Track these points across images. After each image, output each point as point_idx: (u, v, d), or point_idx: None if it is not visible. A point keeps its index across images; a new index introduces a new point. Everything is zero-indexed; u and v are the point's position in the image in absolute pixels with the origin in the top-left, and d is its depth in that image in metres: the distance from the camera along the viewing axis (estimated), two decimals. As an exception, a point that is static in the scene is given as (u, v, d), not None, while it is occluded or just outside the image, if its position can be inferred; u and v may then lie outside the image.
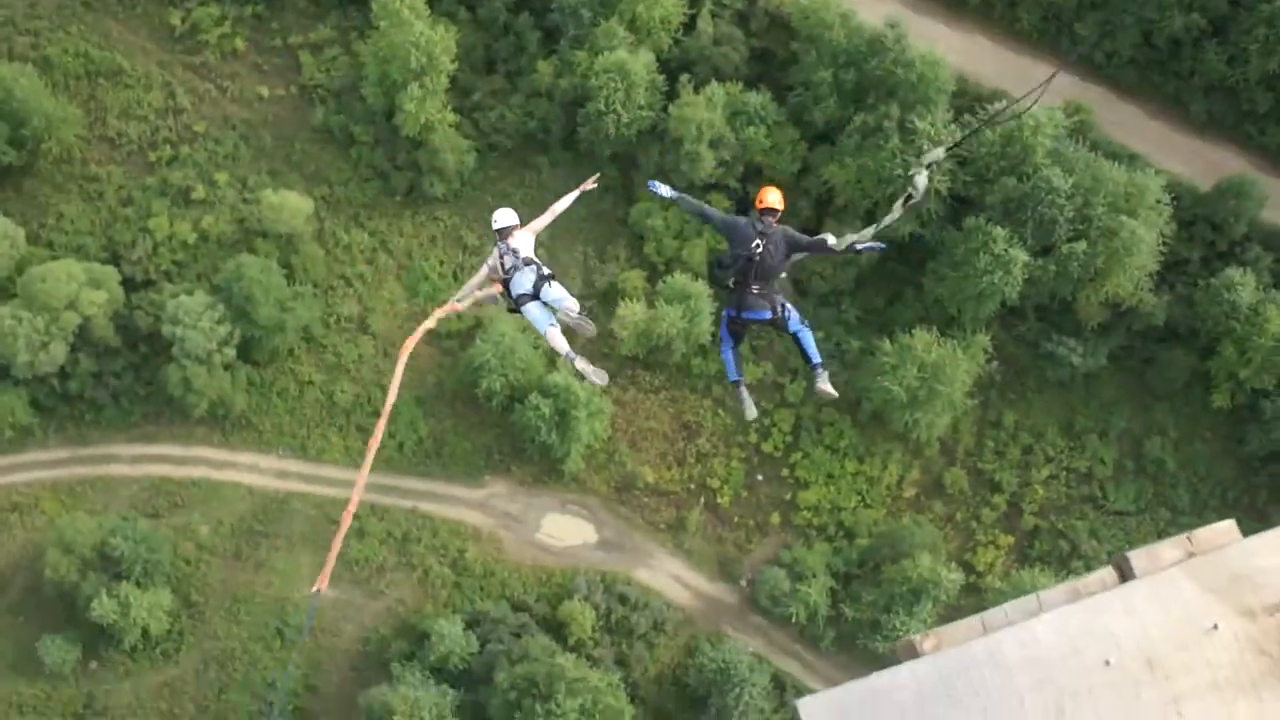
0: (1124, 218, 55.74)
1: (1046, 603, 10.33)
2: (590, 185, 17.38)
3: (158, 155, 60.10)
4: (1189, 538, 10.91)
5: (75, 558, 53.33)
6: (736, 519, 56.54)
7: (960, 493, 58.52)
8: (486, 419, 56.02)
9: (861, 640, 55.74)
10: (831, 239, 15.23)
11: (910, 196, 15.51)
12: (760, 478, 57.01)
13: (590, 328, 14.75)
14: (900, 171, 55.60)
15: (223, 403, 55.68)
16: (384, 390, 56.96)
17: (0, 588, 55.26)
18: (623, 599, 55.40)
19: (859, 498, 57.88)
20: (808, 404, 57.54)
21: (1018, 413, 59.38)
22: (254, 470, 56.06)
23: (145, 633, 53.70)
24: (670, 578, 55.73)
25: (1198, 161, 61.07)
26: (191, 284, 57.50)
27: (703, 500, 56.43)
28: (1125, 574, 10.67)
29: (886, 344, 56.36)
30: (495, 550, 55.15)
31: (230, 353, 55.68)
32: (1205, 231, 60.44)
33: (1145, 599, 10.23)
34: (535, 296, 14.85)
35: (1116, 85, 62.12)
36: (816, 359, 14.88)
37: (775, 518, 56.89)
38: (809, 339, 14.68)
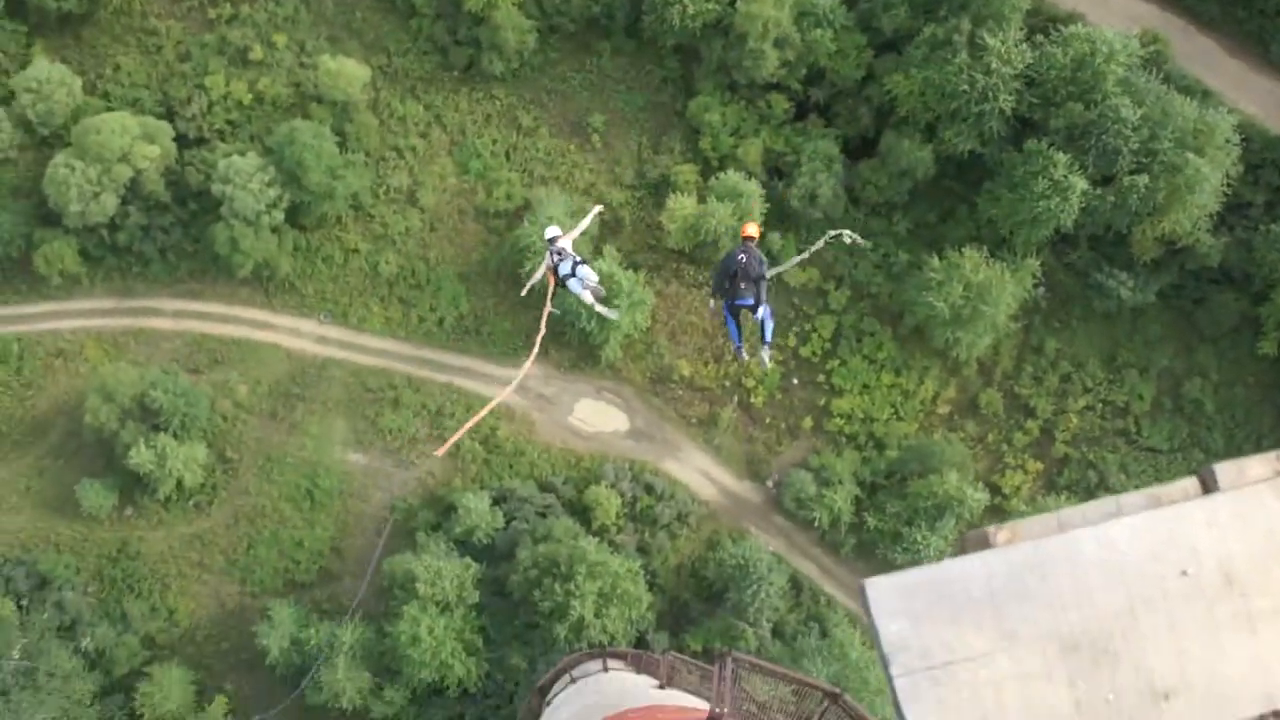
0: (1190, 155, 55.33)
1: (1126, 507, 10.05)
2: (598, 209, 32.96)
3: (217, 13, 60.80)
4: (1279, 457, 10.71)
5: (115, 406, 55.31)
6: (768, 420, 57.69)
7: (994, 415, 59.35)
8: (527, 301, 56.67)
9: (881, 550, 57.03)
10: (766, 271, 22.80)
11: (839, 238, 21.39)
12: (795, 381, 58.04)
13: (601, 291, 26.94)
14: (966, 87, 55.76)
15: (267, 265, 57.07)
16: (429, 264, 58.25)
17: (42, 431, 57.57)
18: (649, 488, 56.91)
19: (892, 410, 58.84)
20: (850, 312, 58.27)
21: (1060, 341, 59.89)
22: (294, 334, 57.67)
23: (180, 484, 55.85)
24: (698, 472, 57.14)
25: (1272, 103, 60.48)
26: (244, 144, 58.54)
27: (736, 399, 57.57)
28: (1209, 486, 10.47)
29: (935, 260, 56.63)
30: (527, 431, 56.68)
31: (278, 215, 56.90)
32: (1272, 176, 60.09)
33: (1229, 513, 9.95)
34: (572, 274, 26.26)
35: (1197, 17, 61.32)
36: (769, 340, 24.14)
37: (807, 422, 57.99)
38: (769, 326, 23.51)
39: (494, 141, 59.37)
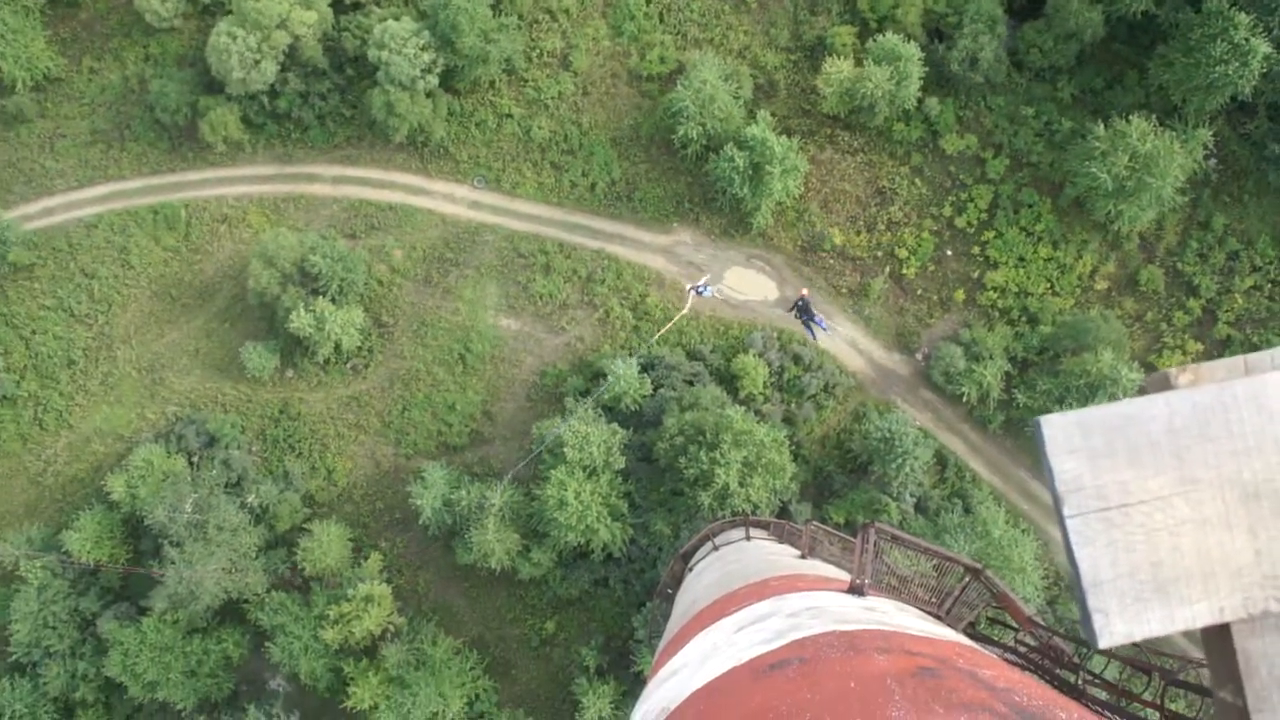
0: (1385, 14, 55.87)
1: (1316, 355, 10.48)
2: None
3: (362, -117, 65.19)
4: None
5: (276, 271, 60.52)
6: (920, 291, 60.29)
7: (1154, 292, 60.85)
8: (680, 166, 60.46)
9: (1030, 429, 59.24)
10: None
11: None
12: (949, 253, 60.45)
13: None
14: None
15: (422, 130, 61.41)
16: (581, 128, 61.96)
17: (210, 295, 63.36)
18: (796, 359, 60.15)
19: (1048, 284, 60.80)
20: (1008, 181, 60.22)
21: (1229, 216, 60.92)
22: (448, 199, 62.08)
23: (338, 348, 61.07)
24: (846, 343, 60.16)
25: None
26: (399, 9, 62.68)
27: (888, 269, 60.24)
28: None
29: (1100, 128, 57.48)
30: (676, 298, 60.40)
31: (433, 80, 61.01)
32: None
33: None
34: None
35: None
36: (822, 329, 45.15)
37: (959, 294, 60.41)
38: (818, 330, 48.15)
39: (648, 2, 62.44)
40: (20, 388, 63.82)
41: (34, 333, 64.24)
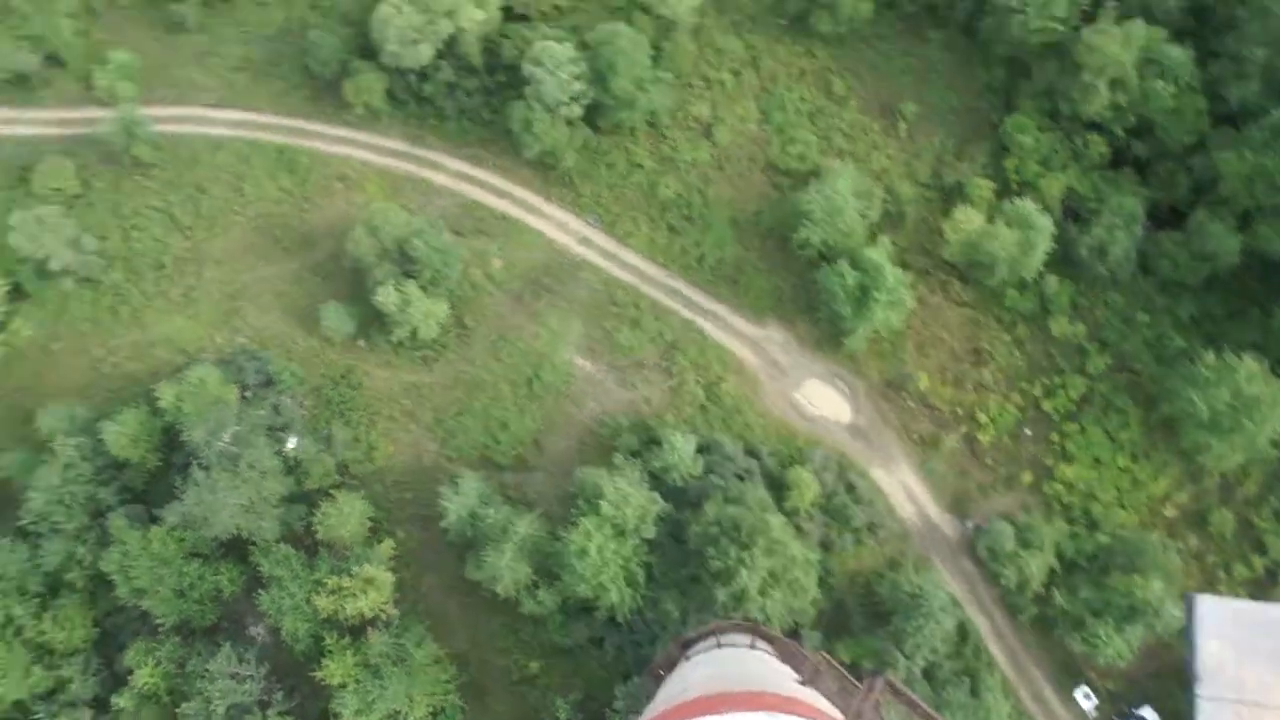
0: None
1: None
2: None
3: (577, -97, 78.49)
4: None
5: (378, 242, 73.38)
6: (989, 461, 70.84)
7: (1221, 536, 69.45)
8: (790, 266, 71.91)
9: (1060, 632, 66.64)
10: None
11: None
12: (1028, 432, 71.07)
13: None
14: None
15: (554, 153, 73.96)
16: (705, 199, 74.17)
17: (309, 245, 76.12)
18: (850, 487, 71.01)
19: (1117, 494, 70.41)
20: (1105, 381, 70.55)
21: (1320, 486, 70.21)
22: (560, 227, 74.62)
23: (414, 333, 73.61)
24: (902, 488, 71.03)
25: None
26: (564, 34, 75.09)
27: (964, 430, 70.79)
28: None
29: (1210, 356, 65.68)
30: (751, 391, 71.97)
31: (576, 110, 73.52)
32: None
33: None
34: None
35: None
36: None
37: (1027, 477, 70.69)
38: None
39: (802, 99, 74.17)
40: (106, 275, 77.49)
41: (135, 228, 77.96)
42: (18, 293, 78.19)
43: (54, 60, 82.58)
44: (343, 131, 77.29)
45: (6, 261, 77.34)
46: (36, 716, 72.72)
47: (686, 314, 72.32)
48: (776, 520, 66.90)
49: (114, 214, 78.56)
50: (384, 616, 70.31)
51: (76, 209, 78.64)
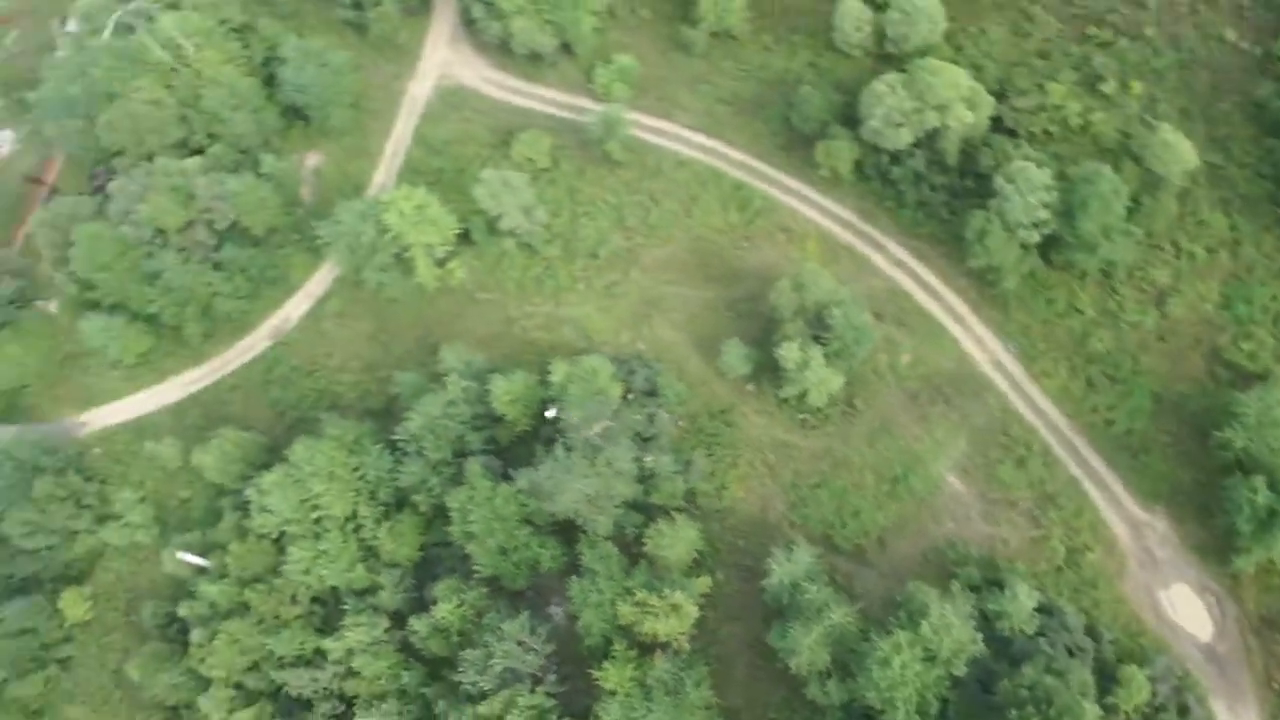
0: None
1: None
2: None
3: (1097, 32, 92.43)
4: None
5: (799, 299, 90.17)
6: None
7: None
8: (1200, 461, 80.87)
9: None
10: None
11: None
12: None
13: None
14: None
15: (997, 271, 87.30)
16: (1135, 365, 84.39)
17: (733, 280, 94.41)
18: (1183, 709, 77.74)
19: None
20: None
21: None
22: (978, 343, 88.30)
23: (803, 395, 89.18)
24: (1236, 725, 78.37)
25: None
26: (1045, 158, 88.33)
27: (1338, 703, 77.30)
28: None
29: None
30: (1115, 571, 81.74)
31: (1034, 237, 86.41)
32: None
33: None
34: None
35: None
36: None
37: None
38: None
39: (1273, 299, 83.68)
40: (545, 247, 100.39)
41: (584, 214, 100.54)
42: (464, 239, 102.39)
43: (567, 49, 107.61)
44: (801, 187, 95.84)
45: (465, 208, 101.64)
46: (344, 606, 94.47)
47: (1075, 471, 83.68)
48: (1092, 711, 75.33)
49: (570, 196, 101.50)
50: (675, 645, 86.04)
51: (539, 182, 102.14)
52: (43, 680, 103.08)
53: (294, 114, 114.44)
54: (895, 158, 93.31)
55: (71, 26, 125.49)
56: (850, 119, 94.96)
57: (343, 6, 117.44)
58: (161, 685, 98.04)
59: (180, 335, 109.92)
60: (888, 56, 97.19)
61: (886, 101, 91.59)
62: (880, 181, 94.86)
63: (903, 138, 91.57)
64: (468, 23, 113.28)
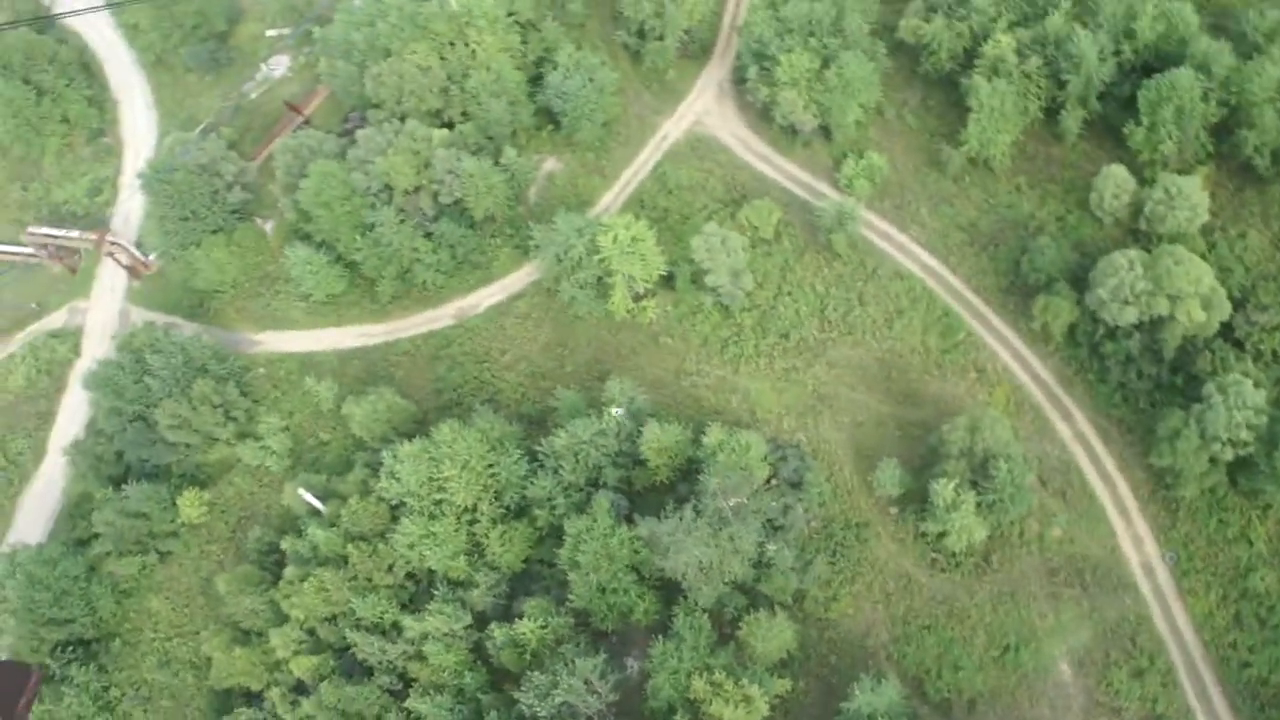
0: None
1: None
2: None
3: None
4: None
5: (970, 436, 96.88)
6: None
7: None
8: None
9: None
10: None
11: None
12: None
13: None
14: None
15: (1179, 477, 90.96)
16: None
17: (911, 402, 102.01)
18: None
19: None
20: None
21: None
22: (1135, 541, 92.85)
23: (940, 535, 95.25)
24: None
25: None
26: (1266, 382, 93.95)
27: None
28: None
29: None
30: None
31: (1228, 454, 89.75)
32: None
33: None
34: None
35: None
36: None
37: None
38: None
39: None
40: (740, 314, 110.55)
41: (788, 294, 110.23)
42: (666, 281, 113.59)
43: (824, 131, 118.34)
44: (1009, 334, 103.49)
45: (677, 253, 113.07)
46: (434, 590, 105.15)
47: (1193, 702, 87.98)
48: None
49: (781, 273, 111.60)
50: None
51: (756, 250, 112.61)
52: (140, 564, 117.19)
53: (547, 117, 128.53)
54: (1112, 333, 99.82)
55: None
56: (1079, 281, 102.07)
57: (626, 32, 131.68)
58: (242, 607, 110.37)
59: (373, 289, 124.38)
60: (1136, 232, 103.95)
61: (1122, 276, 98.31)
62: (1089, 352, 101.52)
63: (1126, 316, 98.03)
64: (738, 80, 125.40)
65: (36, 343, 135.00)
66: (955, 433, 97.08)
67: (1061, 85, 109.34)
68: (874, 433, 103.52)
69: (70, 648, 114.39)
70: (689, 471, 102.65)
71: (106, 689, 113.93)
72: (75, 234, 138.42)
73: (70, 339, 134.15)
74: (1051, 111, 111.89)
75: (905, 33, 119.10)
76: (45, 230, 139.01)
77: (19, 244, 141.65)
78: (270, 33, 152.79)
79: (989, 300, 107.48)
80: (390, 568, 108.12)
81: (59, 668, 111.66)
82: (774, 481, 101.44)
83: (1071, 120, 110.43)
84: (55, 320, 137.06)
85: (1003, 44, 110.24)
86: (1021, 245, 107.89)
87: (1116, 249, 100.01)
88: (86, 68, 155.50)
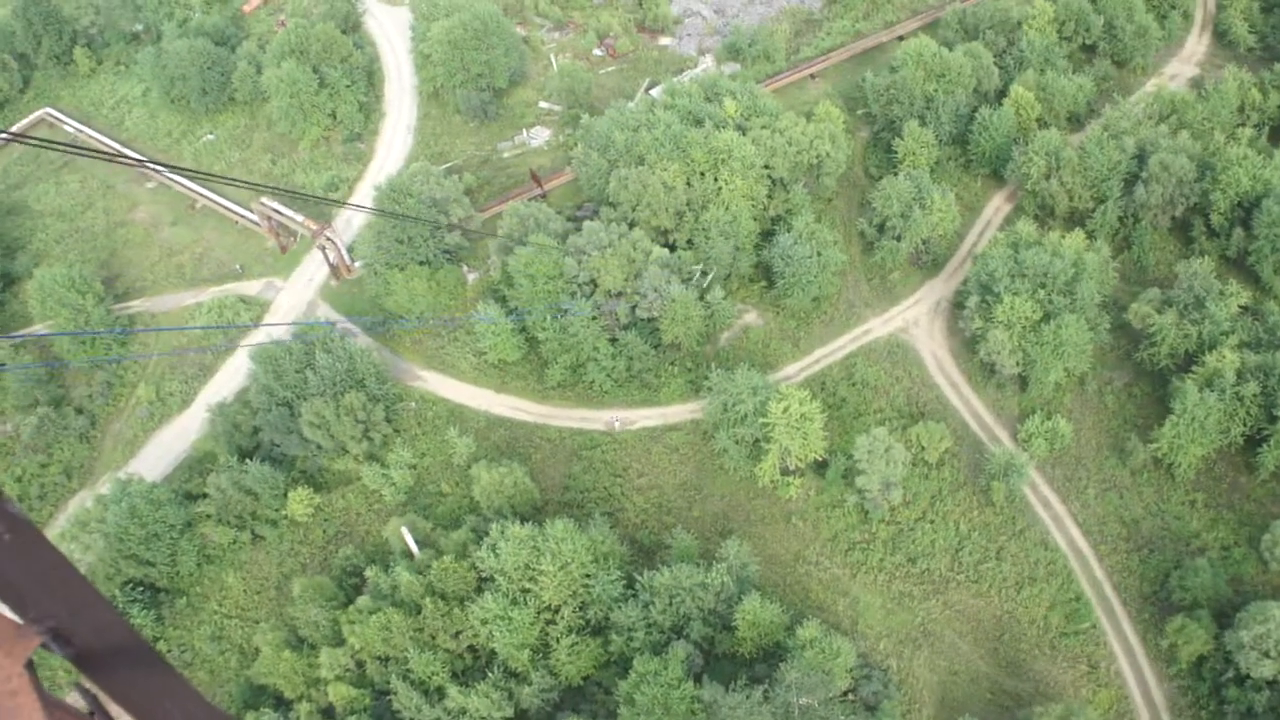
0: None
1: None
2: None
3: None
4: None
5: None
6: None
7: None
8: None
9: None
10: None
11: None
12: None
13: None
14: None
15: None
16: None
17: (1009, 670, 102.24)
18: None
19: None
20: None
21: None
22: None
23: None
24: None
25: None
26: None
27: None
28: None
29: None
30: None
31: None
32: None
33: None
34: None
35: None
36: None
37: None
38: None
39: None
40: (878, 525, 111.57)
41: (931, 523, 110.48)
42: (819, 467, 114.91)
43: (1023, 381, 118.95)
44: (1135, 642, 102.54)
45: (836, 443, 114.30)
46: (491, 673, 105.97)
47: None
48: None
49: (931, 501, 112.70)
50: None
51: (915, 469, 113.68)
52: (233, 537, 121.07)
53: (765, 272, 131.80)
54: (1241, 680, 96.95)
55: (655, 93, 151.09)
56: (1223, 617, 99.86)
57: (868, 223, 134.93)
58: (306, 615, 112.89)
59: (543, 369, 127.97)
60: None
61: (1270, 627, 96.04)
62: (1211, 690, 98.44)
63: (1263, 669, 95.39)
64: (956, 304, 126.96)
65: (226, 302, 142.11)
66: (1046, 716, 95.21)
67: (1273, 420, 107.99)
68: (966, 687, 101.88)
69: (141, 588, 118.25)
70: (773, 655, 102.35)
71: (156, 640, 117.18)
72: (299, 218, 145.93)
73: (256, 309, 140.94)
74: (1253, 441, 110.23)
75: (1133, 316, 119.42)
76: (275, 205, 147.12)
77: (248, 209, 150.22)
78: (543, 104, 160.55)
79: (1126, 602, 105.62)
80: (457, 634, 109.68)
81: (125, 603, 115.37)
82: (851, 697, 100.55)
83: (1270, 458, 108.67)
84: (250, 288, 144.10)
85: (1226, 359, 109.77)
86: (1177, 560, 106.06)
87: (1275, 600, 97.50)
88: (370, 76, 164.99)
